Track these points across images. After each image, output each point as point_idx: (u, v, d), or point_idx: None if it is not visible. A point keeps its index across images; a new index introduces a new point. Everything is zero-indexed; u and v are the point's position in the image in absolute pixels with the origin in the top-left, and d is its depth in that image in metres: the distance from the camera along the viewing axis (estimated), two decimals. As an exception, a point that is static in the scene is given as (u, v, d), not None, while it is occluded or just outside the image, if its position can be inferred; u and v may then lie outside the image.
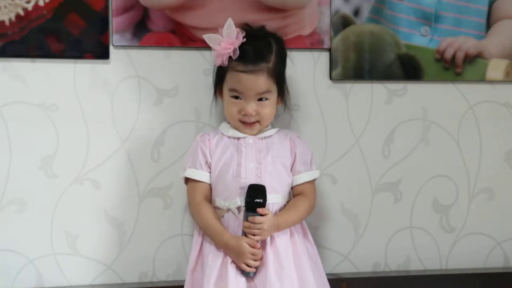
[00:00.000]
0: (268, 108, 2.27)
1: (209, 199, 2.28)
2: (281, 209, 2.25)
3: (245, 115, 2.25)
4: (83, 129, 2.44)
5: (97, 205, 2.45)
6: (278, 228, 2.21)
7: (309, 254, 2.27)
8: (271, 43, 2.29)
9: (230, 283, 2.15)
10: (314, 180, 2.33)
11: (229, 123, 2.31)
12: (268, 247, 2.19)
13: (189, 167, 2.28)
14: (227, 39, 2.22)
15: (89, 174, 2.45)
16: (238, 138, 2.28)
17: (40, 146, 2.42)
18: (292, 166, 2.30)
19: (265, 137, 2.29)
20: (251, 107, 2.25)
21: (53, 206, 2.43)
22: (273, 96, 2.28)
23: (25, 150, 2.41)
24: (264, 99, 2.26)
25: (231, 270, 2.18)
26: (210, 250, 2.22)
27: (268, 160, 2.25)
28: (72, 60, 2.42)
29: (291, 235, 2.25)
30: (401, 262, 2.65)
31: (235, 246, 2.17)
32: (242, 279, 2.18)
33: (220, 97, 2.33)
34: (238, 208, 2.22)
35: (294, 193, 2.31)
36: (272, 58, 2.27)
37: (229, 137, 2.28)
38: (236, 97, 2.26)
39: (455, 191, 2.68)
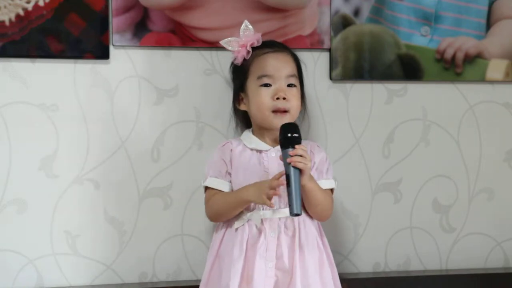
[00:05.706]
0: (296, 98, 2.24)
1: None
2: (304, 222, 2.20)
3: (278, 98, 2.20)
4: (83, 129, 2.44)
5: (97, 205, 2.45)
6: (310, 179, 2.13)
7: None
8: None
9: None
10: (331, 190, 2.28)
11: (250, 131, 2.29)
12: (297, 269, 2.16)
13: (210, 176, 2.24)
14: (245, 38, 2.24)
15: (89, 174, 2.45)
16: (261, 152, 2.24)
17: (40, 146, 2.42)
18: None
19: None
20: (284, 87, 2.21)
21: (53, 206, 2.43)
22: (298, 87, 2.27)
23: (25, 150, 2.41)
24: (292, 85, 2.24)
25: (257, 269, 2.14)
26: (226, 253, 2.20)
27: None
28: (72, 60, 2.42)
29: (320, 254, 2.21)
30: (401, 262, 2.65)
31: (256, 183, 2.12)
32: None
33: (243, 103, 2.29)
34: (262, 220, 2.16)
35: None
36: (293, 54, 2.30)
37: (251, 149, 2.25)
38: (266, 85, 2.22)
39: (455, 191, 2.68)
